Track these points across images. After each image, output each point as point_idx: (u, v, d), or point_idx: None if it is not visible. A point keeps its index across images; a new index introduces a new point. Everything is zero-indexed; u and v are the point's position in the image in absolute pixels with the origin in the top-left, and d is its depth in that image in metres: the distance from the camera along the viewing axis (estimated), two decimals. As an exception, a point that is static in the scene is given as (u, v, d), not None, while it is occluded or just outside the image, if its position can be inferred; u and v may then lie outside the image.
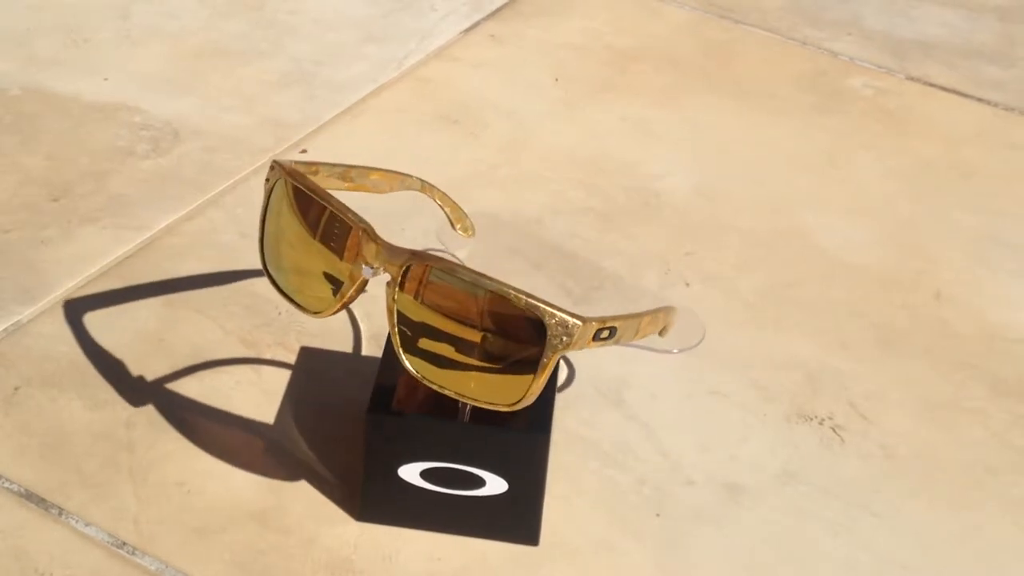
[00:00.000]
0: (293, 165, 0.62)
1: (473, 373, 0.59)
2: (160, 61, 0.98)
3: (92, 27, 1.01)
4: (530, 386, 0.57)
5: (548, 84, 0.99)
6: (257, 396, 0.71)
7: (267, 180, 0.63)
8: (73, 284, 0.77)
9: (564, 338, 0.56)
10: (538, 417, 0.62)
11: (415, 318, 0.58)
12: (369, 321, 0.75)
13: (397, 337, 0.58)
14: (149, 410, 0.69)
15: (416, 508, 0.63)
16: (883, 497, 0.68)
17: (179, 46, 1.00)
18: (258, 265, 0.64)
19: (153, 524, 0.64)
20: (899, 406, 0.73)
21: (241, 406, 0.70)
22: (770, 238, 0.85)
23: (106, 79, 0.95)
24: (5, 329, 0.74)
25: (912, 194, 0.90)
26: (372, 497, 0.64)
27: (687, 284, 0.80)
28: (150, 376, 0.71)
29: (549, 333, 0.56)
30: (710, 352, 0.75)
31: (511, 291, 0.56)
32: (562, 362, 0.72)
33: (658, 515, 0.66)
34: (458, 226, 0.74)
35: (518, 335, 0.57)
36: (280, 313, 0.75)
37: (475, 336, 0.58)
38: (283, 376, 0.72)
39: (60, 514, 0.64)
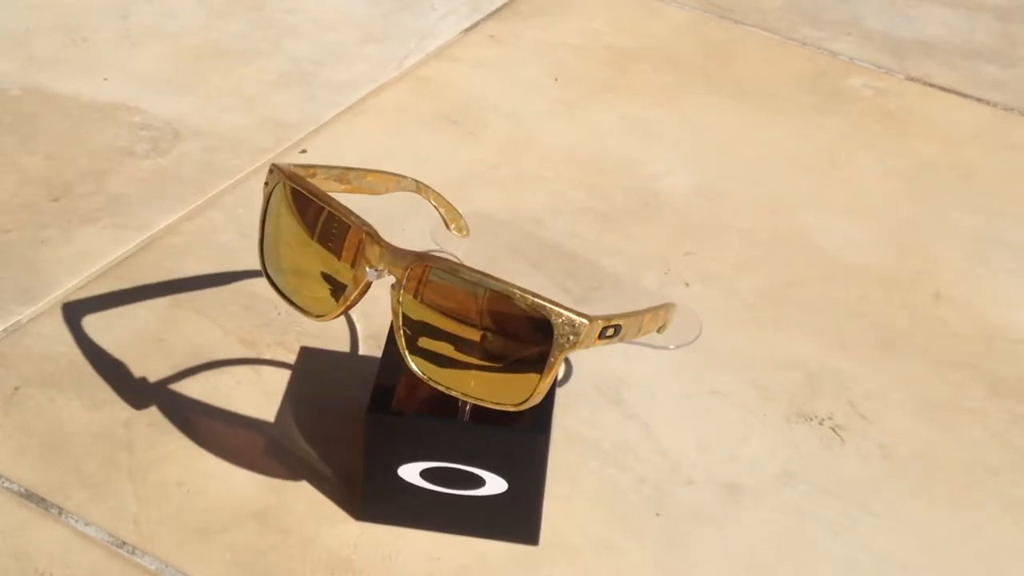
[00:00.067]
0: (292, 168, 0.62)
1: (479, 373, 0.59)
2: (160, 61, 0.98)
3: (92, 27, 1.01)
4: (537, 385, 0.57)
5: (548, 84, 0.99)
6: (257, 396, 0.71)
7: (266, 184, 0.63)
8: (73, 284, 0.77)
9: (571, 337, 0.56)
10: (538, 416, 0.62)
11: (420, 320, 0.58)
12: (369, 321, 0.75)
13: (402, 339, 0.58)
14: (149, 410, 0.69)
15: (416, 508, 0.63)
16: (883, 497, 0.68)
17: (179, 46, 1.00)
18: (258, 265, 0.64)
19: (153, 524, 0.63)
20: (899, 406, 0.73)
21: (241, 406, 0.70)
22: (770, 238, 0.85)
23: (106, 79, 0.95)
24: (5, 329, 0.74)
25: (912, 194, 0.90)
26: (372, 497, 0.64)
27: (687, 284, 0.80)
28: (150, 376, 0.71)
29: (556, 332, 0.56)
30: (710, 352, 0.75)
31: (517, 291, 0.56)
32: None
33: (658, 515, 0.66)
34: (452, 226, 0.74)
35: (524, 335, 0.57)
36: (280, 313, 0.75)
37: (481, 337, 0.58)
38: (283, 376, 0.72)
39: (60, 514, 0.64)
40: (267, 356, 0.73)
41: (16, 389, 0.70)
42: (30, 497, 0.64)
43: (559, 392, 0.71)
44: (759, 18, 1.09)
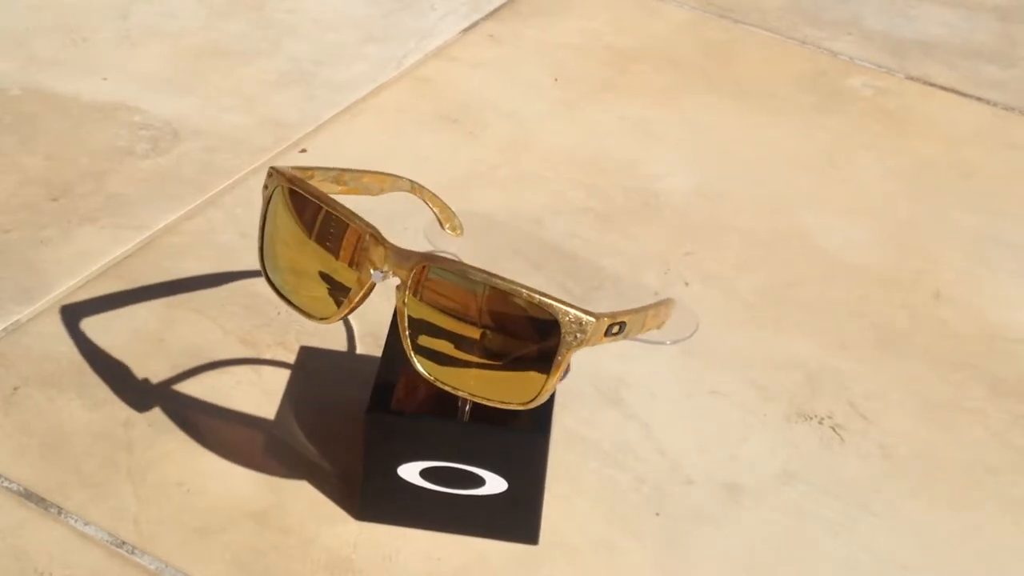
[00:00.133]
0: (292, 171, 0.62)
1: (485, 373, 0.59)
2: (159, 61, 0.98)
3: (91, 27, 1.01)
4: (544, 384, 0.57)
5: (547, 84, 0.99)
6: (257, 396, 0.71)
7: (265, 187, 0.62)
8: (72, 284, 0.77)
9: (578, 335, 0.56)
10: (538, 416, 0.62)
11: (425, 320, 0.58)
12: (368, 320, 0.75)
13: (408, 340, 0.58)
14: (148, 410, 0.69)
15: (416, 507, 0.63)
16: (883, 497, 0.68)
17: (178, 46, 1.00)
18: (257, 265, 0.64)
19: (153, 524, 0.63)
20: (899, 406, 0.73)
21: (241, 405, 0.70)
22: (770, 238, 0.85)
23: (105, 79, 0.95)
24: (4, 329, 0.74)
25: (912, 194, 0.90)
26: (372, 496, 0.64)
27: (686, 284, 0.80)
28: (149, 376, 0.71)
29: (563, 330, 0.56)
30: (710, 351, 0.75)
31: (524, 290, 0.56)
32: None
33: (658, 514, 0.66)
34: (447, 225, 0.74)
35: (530, 333, 0.57)
36: (279, 313, 0.75)
37: (487, 336, 0.58)
38: (282, 376, 0.72)
39: (60, 513, 0.64)
40: (267, 356, 0.73)
41: (16, 389, 0.70)
42: (30, 497, 0.64)
43: (559, 392, 0.71)
44: (759, 18, 1.09)
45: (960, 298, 0.81)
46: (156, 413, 0.69)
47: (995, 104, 1.00)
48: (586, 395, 0.72)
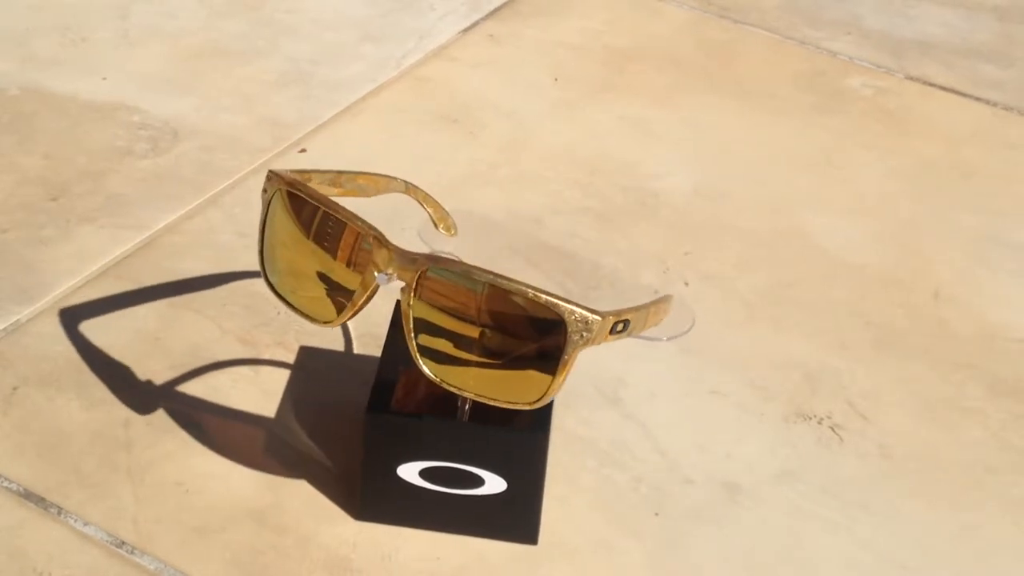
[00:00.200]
0: (291, 174, 0.62)
1: (491, 374, 0.58)
2: (159, 61, 0.98)
3: (91, 27, 1.01)
4: (551, 383, 0.57)
5: (547, 84, 0.99)
6: (256, 395, 0.70)
7: (264, 191, 0.62)
8: (71, 284, 0.77)
9: (584, 333, 0.56)
10: (537, 416, 0.62)
11: (431, 322, 0.58)
12: (367, 320, 0.75)
13: (413, 342, 0.58)
14: (147, 410, 0.69)
15: (415, 507, 0.63)
16: (882, 496, 0.68)
17: (178, 46, 1.00)
18: (256, 265, 0.64)
19: (152, 523, 0.63)
20: (898, 406, 0.73)
21: (240, 405, 0.70)
22: (770, 238, 0.85)
23: (104, 79, 0.95)
24: (3, 329, 0.74)
25: (912, 194, 0.90)
26: (371, 496, 0.64)
27: (686, 284, 0.80)
28: (148, 376, 0.71)
29: (569, 329, 0.56)
30: (709, 351, 0.75)
31: (530, 289, 0.56)
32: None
33: (657, 514, 0.66)
34: (441, 226, 0.74)
35: (537, 333, 0.57)
36: (279, 313, 0.75)
37: (493, 337, 0.58)
38: (282, 375, 0.72)
39: (59, 513, 0.64)
40: (266, 355, 0.73)
41: (15, 389, 0.70)
42: (29, 496, 0.64)
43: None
44: (758, 18, 1.09)
45: (960, 298, 0.81)
46: (155, 413, 0.69)
47: (994, 104, 1.00)
48: (585, 395, 0.72)
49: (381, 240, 0.58)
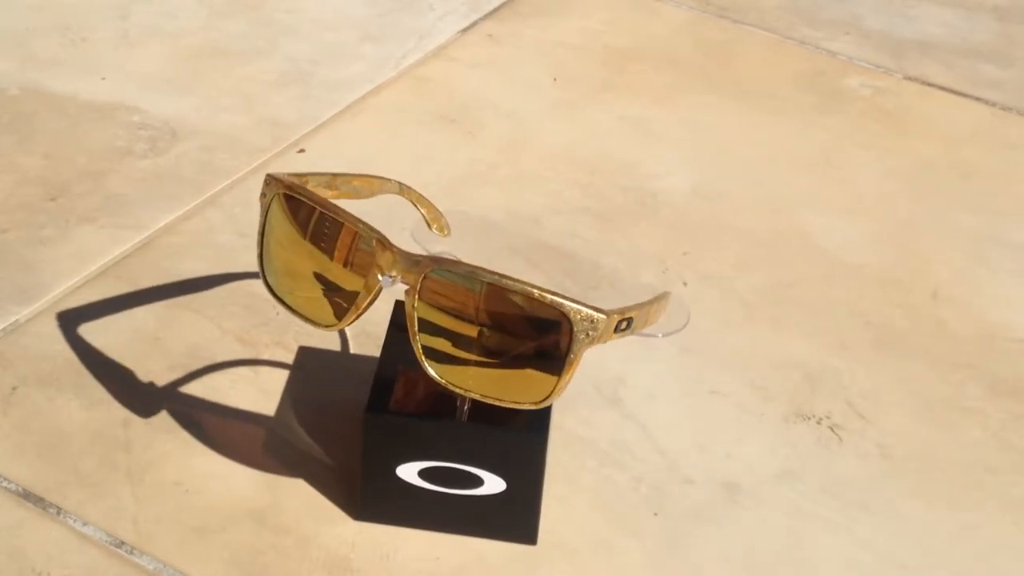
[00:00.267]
0: (290, 178, 0.62)
1: (497, 374, 0.59)
2: (158, 61, 0.98)
3: (91, 27, 1.01)
4: (557, 382, 0.57)
5: (546, 84, 0.99)
6: (255, 395, 0.70)
7: (263, 195, 0.62)
8: (70, 284, 0.77)
9: (590, 332, 0.56)
10: (536, 416, 0.62)
11: (436, 324, 0.58)
12: (366, 320, 0.75)
13: (418, 344, 0.58)
14: (147, 409, 0.69)
15: (414, 507, 0.63)
16: (882, 496, 0.68)
17: (177, 46, 1.00)
18: (255, 265, 0.64)
19: (151, 523, 0.63)
20: (898, 406, 0.73)
21: (239, 405, 0.70)
22: (769, 238, 0.85)
23: (104, 79, 0.95)
24: (3, 329, 0.74)
25: (911, 194, 0.90)
26: (370, 496, 0.64)
27: (685, 284, 0.80)
28: (148, 376, 0.71)
29: (575, 328, 0.56)
30: (708, 351, 0.75)
31: (535, 289, 0.56)
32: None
33: (656, 514, 0.66)
34: (434, 226, 0.74)
35: (542, 333, 0.57)
36: (277, 313, 0.75)
37: (498, 337, 0.58)
38: (281, 375, 0.72)
39: (58, 513, 0.64)
40: (265, 355, 0.73)
41: (14, 389, 0.70)
42: (28, 496, 0.64)
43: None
44: (757, 17, 1.09)
45: (960, 298, 0.81)
46: (155, 413, 0.69)
47: (994, 104, 1.00)
48: (585, 395, 0.72)
49: (384, 243, 0.58)
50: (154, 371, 0.71)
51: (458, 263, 0.57)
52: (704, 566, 0.64)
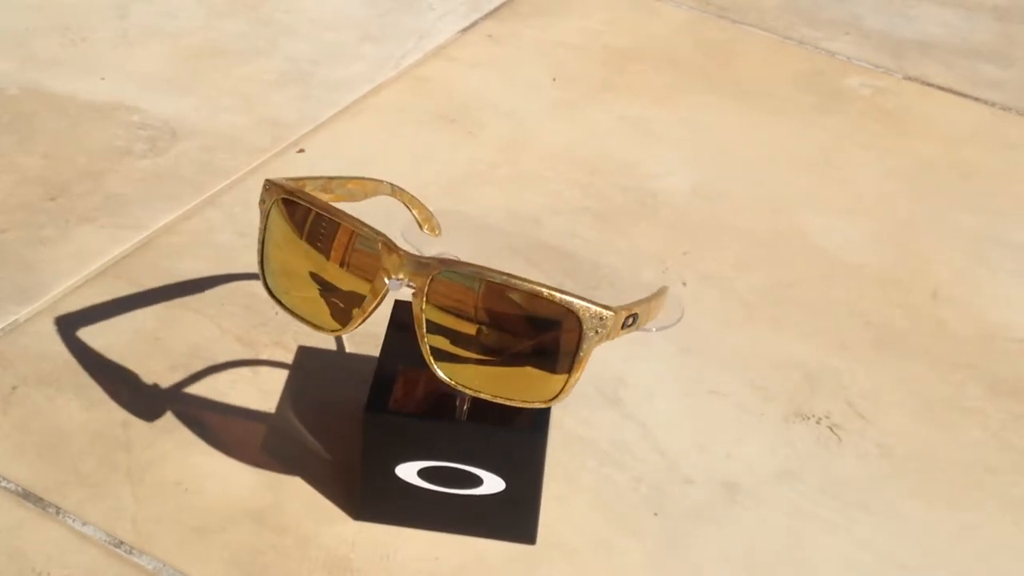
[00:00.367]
0: (290, 183, 0.62)
1: (507, 374, 0.59)
2: (158, 61, 0.98)
3: (90, 27, 1.01)
4: (567, 380, 0.57)
5: (546, 84, 0.99)
6: (255, 395, 0.70)
7: (262, 201, 0.61)
8: (70, 284, 0.77)
9: (599, 329, 0.56)
10: (536, 416, 0.62)
11: (444, 326, 0.58)
12: (367, 320, 0.75)
13: (427, 346, 0.58)
14: (146, 409, 0.69)
15: (414, 507, 0.63)
16: (882, 496, 0.68)
17: (177, 46, 1.00)
18: (255, 265, 0.63)
19: (151, 523, 0.63)
20: (897, 406, 0.73)
21: (239, 405, 0.70)
22: (769, 238, 0.85)
23: (104, 79, 0.95)
24: (2, 328, 0.74)
25: (911, 194, 0.90)
26: (370, 496, 0.64)
27: (684, 283, 0.80)
28: (147, 376, 0.71)
29: (584, 326, 0.56)
30: (708, 351, 0.75)
31: (544, 288, 0.56)
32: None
33: (656, 514, 0.66)
34: (425, 227, 0.74)
35: (551, 332, 0.57)
36: (277, 313, 0.75)
37: (507, 337, 0.58)
38: (280, 375, 0.72)
39: (58, 513, 0.64)
40: (265, 355, 0.73)
41: (14, 388, 0.70)
42: (28, 496, 0.64)
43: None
44: (757, 17, 1.09)
45: (959, 298, 0.81)
46: (154, 413, 0.69)
47: (993, 104, 1.00)
48: (584, 395, 0.72)
49: (391, 246, 0.57)
50: (154, 371, 0.71)
51: (466, 264, 0.57)
52: (704, 566, 0.64)
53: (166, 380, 0.71)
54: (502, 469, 0.62)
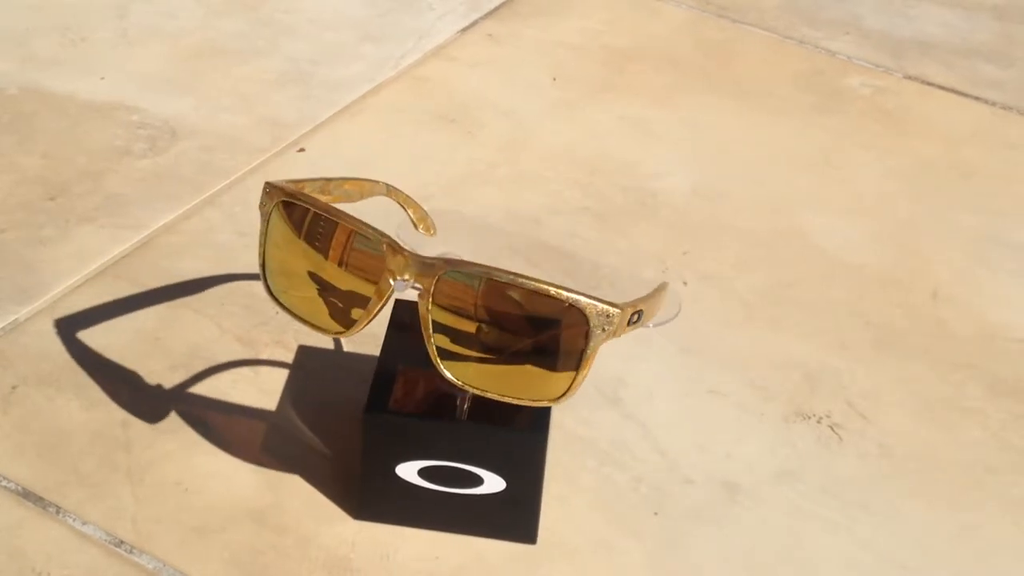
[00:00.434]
0: (291, 186, 0.62)
1: (514, 373, 0.59)
2: (157, 60, 0.98)
3: (90, 26, 1.01)
4: (575, 378, 0.57)
5: (546, 84, 0.99)
6: (255, 394, 0.70)
7: (262, 204, 0.61)
8: (70, 283, 0.77)
9: (606, 327, 0.57)
10: (536, 416, 0.62)
11: (451, 326, 0.58)
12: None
13: (433, 347, 0.58)
14: (146, 409, 0.69)
15: (414, 507, 0.63)
16: (882, 496, 0.68)
17: (176, 45, 1.00)
18: (255, 264, 0.63)
19: (151, 523, 0.63)
20: (897, 406, 0.73)
21: (239, 405, 0.70)
22: (769, 238, 0.85)
23: (103, 78, 0.95)
24: (2, 328, 0.74)
25: (911, 194, 0.90)
26: (370, 496, 0.64)
27: (684, 283, 0.80)
28: (147, 375, 0.71)
29: (592, 324, 0.56)
30: (708, 351, 0.75)
31: (551, 287, 0.56)
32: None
33: (656, 514, 0.66)
34: (420, 226, 0.74)
35: (558, 330, 0.57)
36: (277, 313, 0.75)
37: (514, 337, 0.58)
38: (281, 375, 0.72)
39: (58, 513, 0.64)
40: (265, 355, 0.73)
41: (14, 388, 0.70)
42: (28, 496, 0.64)
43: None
44: (757, 17, 1.09)
45: (959, 298, 0.81)
46: (154, 412, 0.69)
47: (993, 104, 1.00)
48: (584, 394, 0.72)
49: (396, 247, 0.57)
50: (154, 371, 0.71)
51: (472, 264, 0.57)
52: (704, 566, 0.64)
53: (166, 380, 0.71)
54: (502, 469, 0.62)
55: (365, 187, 0.70)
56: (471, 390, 0.58)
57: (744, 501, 0.67)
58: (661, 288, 0.62)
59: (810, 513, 0.67)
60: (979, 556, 0.65)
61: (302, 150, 0.89)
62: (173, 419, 0.69)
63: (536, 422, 0.62)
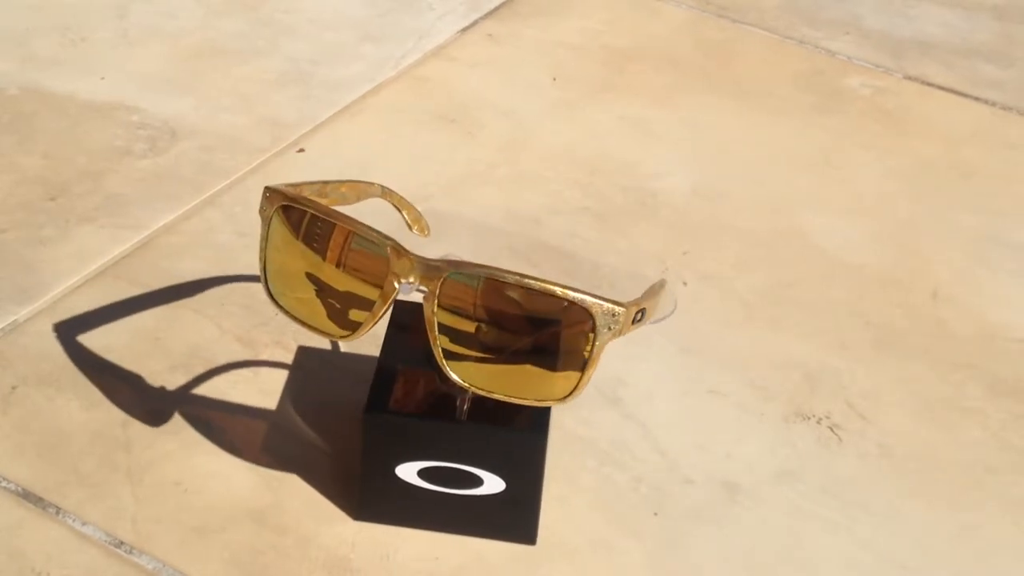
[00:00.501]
0: (291, 190, 0.61)
1: (520, 373, 0.59)
2: (157, 60, 0.98)
3: (90, 26, 1.01)
4: (581, 377, 0.57)
5: (546, 84, 0.99)
6: (254, 395, 0.70)
7: (262, 209, 0.61)
8: (70, 283, 0.77)
9: (612, 326, 0.57)
10: (536, 416, 0.62)
11: (456, 328, 0.58)
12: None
13: (439, 349, 0.58)
14: (146, 409, 0.69)
15: (414, 507, 0.63)
16: (882, 496, 0.68)
17: (176, 45, 1.00)
18: (255, 265, 0.63)
19: (150, 523, 0.63)
20: (897, 406, 0.73)
21: (238, 405, 0.70)
22: (769, 238, 0.85)
23: (103, 78, 0.95)
24: (2, 328, 0.74)
25: (911, 194, 0.90)
26: (370, 496, 0.64)
27: (684, 283, 0.80)
28: (147, 376, 0.71)
29: (598, 323, 0.56)
30: (708, 351, 0.75)
31: (557, 287, 0.56)
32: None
33: (656, 514, 0.66)
34: (415, 227, 0.74)
35: (564, 329, 0.57)
36: (276, 313, 0.75)
37: (519, 337, 0.58)
38: (280, 375, 0.72)
39: (57, 513, 0.64)
40: (264, 355, 0.73)
41: (13, 388, 0.70)
42: (27, 496, 0.64)
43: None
44: (757, 17, 1.09)
45: (959, 298, 0.81)
46: (154, 413, 0.69)
47: (994, 104, 1.00)
48: (584, 394, 0.71)
49: (400, 250, 0.57)
50: (154, 371, 0.71)
51: (477, 265, 0.57)
52: (704, 566, 0.64)
53: (166, 380, 0.71)
54: (502, 469, 0.62)
55: (361, 189, 0.70)
56: (477, 392, 0.58)
57: (744, 501, 0.67)
58: (660, 285, 0.62)
59: (810, 513, 0.67)
60: (979, 556, 0.65)
61: (302, 150, 0.89)
62: (173, 419, 0.69)
63: (536, 422, 0.62)
